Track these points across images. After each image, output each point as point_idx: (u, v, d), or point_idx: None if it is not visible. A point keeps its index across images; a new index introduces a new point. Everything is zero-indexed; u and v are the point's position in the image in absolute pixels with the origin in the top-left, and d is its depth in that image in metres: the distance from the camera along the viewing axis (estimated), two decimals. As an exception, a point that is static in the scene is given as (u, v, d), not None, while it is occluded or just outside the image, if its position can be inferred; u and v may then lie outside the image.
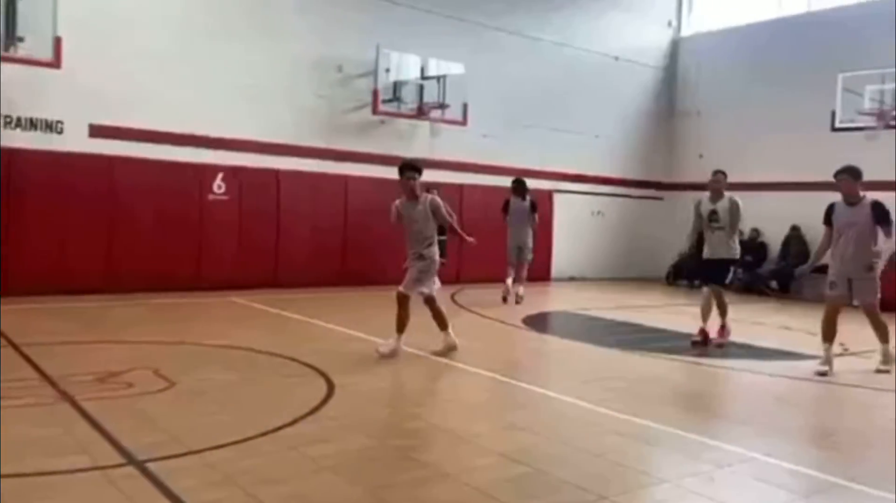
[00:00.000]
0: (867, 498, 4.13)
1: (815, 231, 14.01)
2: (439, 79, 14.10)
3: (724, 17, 17.95)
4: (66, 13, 10.60)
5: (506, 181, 13.41)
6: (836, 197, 7.68)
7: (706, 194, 8.97)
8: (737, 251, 9.01)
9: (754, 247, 15.83)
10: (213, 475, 4.02)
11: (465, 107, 14.36)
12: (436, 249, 7.53)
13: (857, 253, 7.35)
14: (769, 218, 15.18)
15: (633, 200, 18.25)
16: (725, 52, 17.60)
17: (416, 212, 7.41)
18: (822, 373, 7.33)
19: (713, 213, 8.81)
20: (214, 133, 12.44)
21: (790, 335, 10.06)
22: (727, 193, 8.87)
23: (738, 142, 16.49)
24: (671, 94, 18.77)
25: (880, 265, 7.40)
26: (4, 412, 4.92)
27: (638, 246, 17.91)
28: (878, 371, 7.49)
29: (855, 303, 7.65)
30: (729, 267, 9.02)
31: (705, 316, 8.92)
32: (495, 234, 12.50)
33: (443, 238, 7.70)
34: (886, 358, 7.58)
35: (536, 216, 12.52)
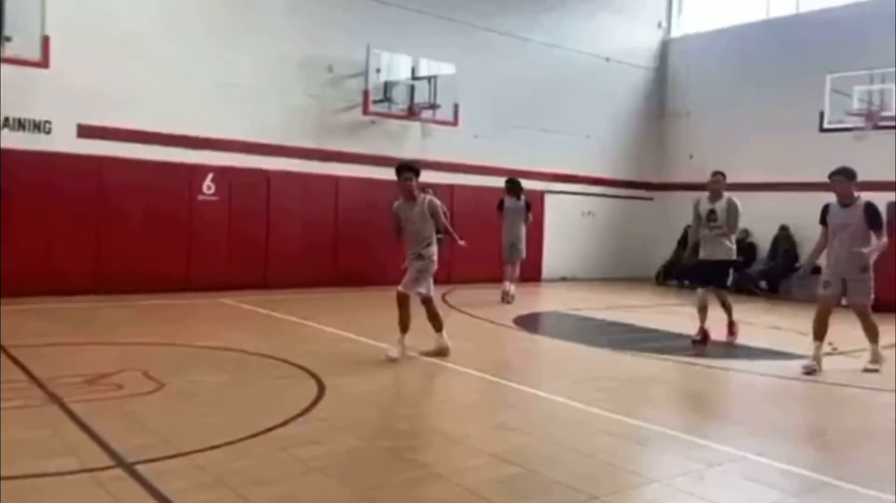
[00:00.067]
0: (858, 497, 4.15)
1: (804, 231, 14.23)
2: (430, 79, 14.06)
3: (713, 18, 18.02)
4: (55, 12, 10.54)
5: (497, 182, 13.43)
6: (825, 197, 7.76)
7: (705, 194, 9.01)
8: (734, 251, 9.05)
9: (743, 247, 15.86)
10: (204, 477, 4.00)
11: (455, 107, 14.35)
12: (434, 249, 7.51)
13: (852, 254, 7.39)
14: (758, 218, 15.18)
15: (623, 201, 18.29)
16: (715, 53, 17.67)
17: (413, 213, 7.39)
18: (811, 371, 7.38)
19: (711, 212, 8.85)
20: (204, 133, 12.39)
21: (780, 335, 10.09)
22: (726, 194, 8.91)
23: (727, 142, 16.54)
24: (661, 94, 18.83)
25: (872, 257, 7.40)
26: (-8, 414, 4.88)
27: (628, 246, 17.97)
28: (867, 370, 7.53)
29: (844, 302, 7.70)
30: (728, 268, 9.07)
31: (703, 316, 8.96)
32: (486, 235, 12.54)
33: (440, 236, 7.70)
34: (875, 357, 7.64)
35: (531, 215, 12.75)
